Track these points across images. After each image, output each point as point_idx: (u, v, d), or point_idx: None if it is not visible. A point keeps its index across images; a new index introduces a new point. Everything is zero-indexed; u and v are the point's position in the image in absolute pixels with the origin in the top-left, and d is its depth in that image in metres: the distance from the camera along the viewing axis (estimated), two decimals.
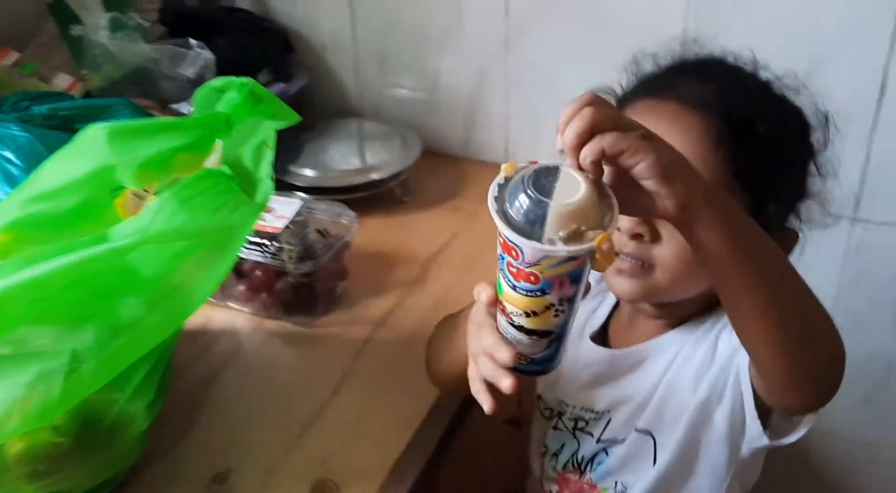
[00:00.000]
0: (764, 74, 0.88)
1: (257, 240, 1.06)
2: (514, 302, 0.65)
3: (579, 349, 0.94)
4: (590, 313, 0.98)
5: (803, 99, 0.87)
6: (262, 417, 0.96)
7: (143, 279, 0.74)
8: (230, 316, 1.12)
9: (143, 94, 1.24)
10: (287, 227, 1.07)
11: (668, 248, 0.82)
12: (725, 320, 0.85)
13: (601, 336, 0.96)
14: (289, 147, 1.39)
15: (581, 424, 0.94)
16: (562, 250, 0.59)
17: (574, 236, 0.59)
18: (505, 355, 0.67)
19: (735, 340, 0.72)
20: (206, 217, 0.69)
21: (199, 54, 1.19)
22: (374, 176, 1.32)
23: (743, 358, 0.81)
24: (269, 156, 0.78)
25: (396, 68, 1.46)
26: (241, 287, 1.11)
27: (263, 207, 0.76)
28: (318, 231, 1.09)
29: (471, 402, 0.98)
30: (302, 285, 1.09)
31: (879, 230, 1.27)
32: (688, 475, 0.90)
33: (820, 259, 1.31)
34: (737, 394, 0.83)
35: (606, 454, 0.92)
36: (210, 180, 0.70)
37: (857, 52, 1.17)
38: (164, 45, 1.21)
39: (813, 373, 0.70)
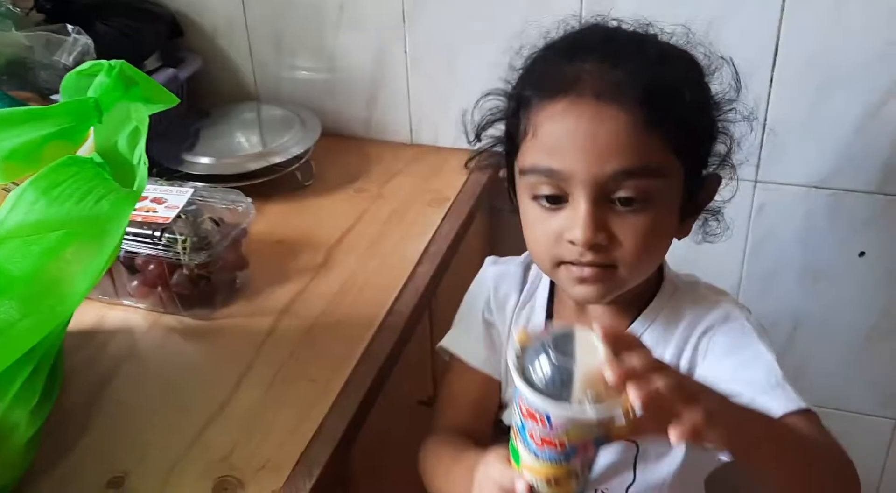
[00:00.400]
0: (657, 33, 0.85)
1: (148, 232, 1.01)
2: (537, 471, 0.64)
3: None
4: (526, 320, 0.93)
5: (700, 51, 0.85)
6: (160, 416, 0.92)
7: (13, 278, 0.69)
8: (125, 314, 1.07)
9: (22, 85, 1.18)
10: (179, 217, 1.03)
11: (628, 246, 0.78)
12: (699, 330, 0.84)
13: None
14: (183, 135, 1.34)
15: None
16: (593, 413, 0.59)
17: (601, 398, 0.59)
18: None
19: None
20: (71, 207, 0.64)
21: (77, 40, 1.13)
22: (274, 160, 1.27)
23: None
24: (142, 141, 0.74)
25: (292, 49, 1.42)
26: (135, 283, 1.05)
27: (139, 195, 0.72)
28: (213, 220, 1.05)
29: (379, 384, 0.96)
30: (199, 277, 1.04)
31: (781, 191, 1.28)
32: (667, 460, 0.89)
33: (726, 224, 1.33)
34: None
35: None
36: (75, 168, 0.66)
37: (749, 16, 1.17)
38: (39, 32, 1.14)
39: None
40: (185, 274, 1.03)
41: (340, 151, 1.41)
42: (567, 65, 0.79)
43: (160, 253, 1.02)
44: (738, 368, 0.81)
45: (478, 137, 0.89)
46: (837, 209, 1.27)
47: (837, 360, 1.39)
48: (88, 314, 1.06)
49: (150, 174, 1.12)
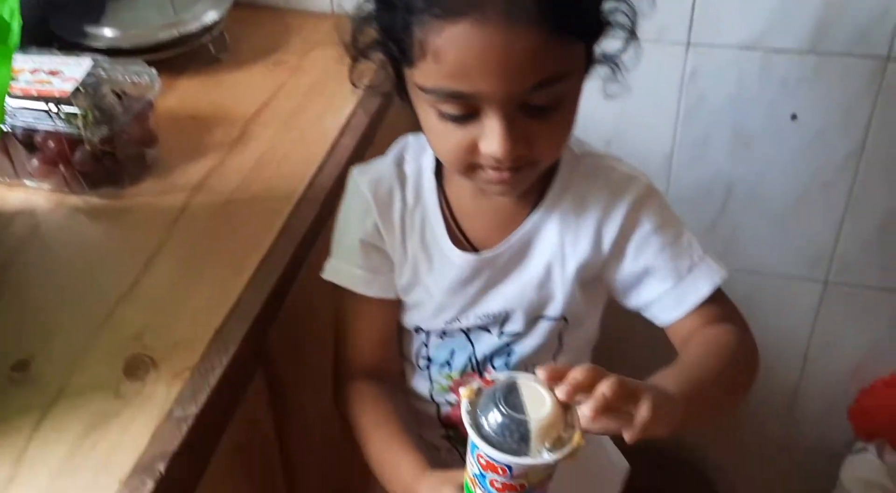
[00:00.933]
0: None
1: (42, 106, 0.94)
2: None
3: (448, 261, 0.85)
4: (420, 222, 0.86)
5: None
6: (66, 298, 0.88)
7: None
8: (26, 195, 1.01)
9: None
10: (77, 90, 0.96)
11: (546, 146, 0.74)
12: (621, 209, 0.82)
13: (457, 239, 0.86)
14: (88, 7, 1.25)
15: (474, 328, 0.87)
16: (552, 459, 0.64)
17: (557, 443, 0.64)
18: None
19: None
20: None
21: None
22: (183, 30, 1.19)
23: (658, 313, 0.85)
24: None
25: None
26: (35, 161, 0.99)
27: (11, 52, 0.65)
28: (115, 93, 0.98)
29: (299, 260, 0.93)
30: (103, 154, 0.98)
31: (713, 53, 1.25)
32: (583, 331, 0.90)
33: (658, 88, 1.30)
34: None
35: (509, 346, 0.87)
36: None
37: None
38: None
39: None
40: (88, 150, 0.97)
41: (257, 22, 1.33)
42: None
43: (59, 129, 0.95)
44: (666, 248, 0.83)
45: (362, 55, 0.79)
46: (769, 71, 1.24)
47: (769, 225, 1.39)
48: None
49: (50, 48, 1.05)
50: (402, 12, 0.70)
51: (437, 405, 0.92)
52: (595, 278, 0.86)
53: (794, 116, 1.28)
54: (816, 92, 1.25)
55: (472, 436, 0.65)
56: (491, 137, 0.71)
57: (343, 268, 0.88)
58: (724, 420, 1.59)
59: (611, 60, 0.78)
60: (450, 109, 0.72)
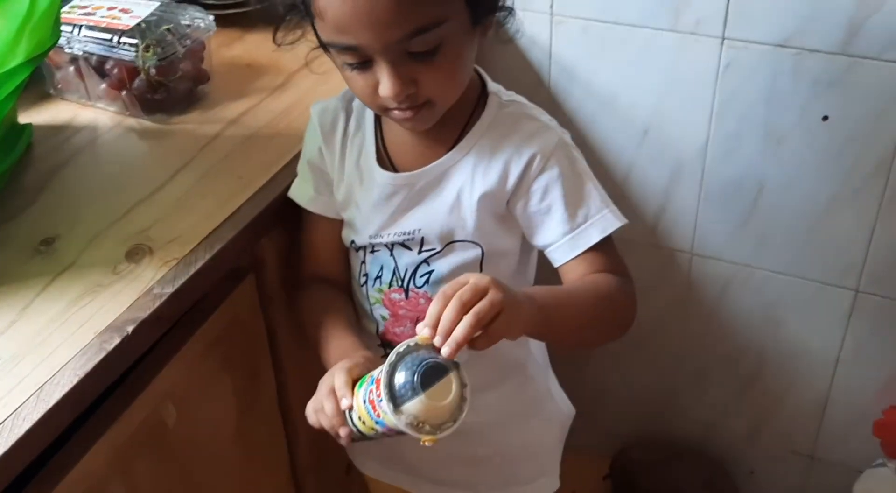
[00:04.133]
0: None
1: (108, 36, 1.11)
2: (360, 409, 0.80)
3: (374, 180, 0.96)
4: (359, 146, 0.99)
5: None
6: (99, 195, 1.03)
7: None
8: (94, 114, 1.18)
9: None
10: (139, 25, 1.12)
11: (437, 85, 0.85)
12: (532, 151, 0.91)
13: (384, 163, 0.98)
14: None
15: (397, 245, 0.98)
16: (402, 427, 0.74)
17: (418, 425, 0.74)
18: (343, 431, 0.83)
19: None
20: None
21: None
22: None
23: (554, 254, 0.94)
24: None
25: None
26: (103, 86, 1.16)
27: None
28: (171, 31, 1.14)
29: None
30: (158, 84, 1.14)
31: (747, 49, 1.28)
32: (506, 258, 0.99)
33: (693, 81, 1.34)
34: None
35: (428, 264, 0.97)
36: None
37: None
38: None
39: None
40: (145, 79, 1.13)
41: None
42: None
43: (121, 57, 1.11)
44: (567, 195, 0.92)
45: (280, 22, 0.92)
46: (801, 70, 1.26)
47: (800, 227, 1.40)
48: (63, 113, 1.18)
49: None
50: None
51: (376, 323, 1.03)
52: (505, 212, 0.94)
53: (825, 118, 1.29)
54: (848, 95, 1.26)
55: (385, 364, 0.76)
56: (382, 82, 0.83)
57: (296, 185, 1.02)
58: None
59: (495, 11, 0.88)
60: (347, 58, 0.84)
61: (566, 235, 0.92)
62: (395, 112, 0.87)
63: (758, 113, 1.33)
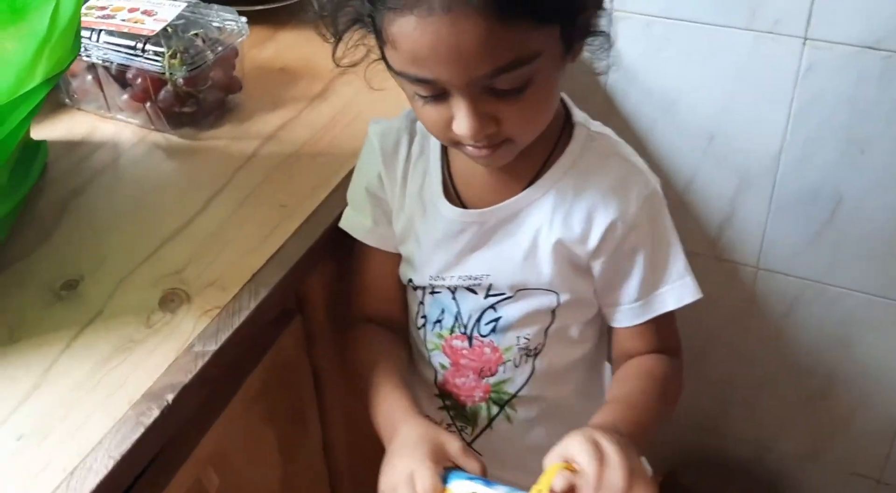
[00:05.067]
0: None
1: (130, 43, 0.98)
2: None
3: (438, 215, 0.85)
4: (422, 173, 0.87)
5: None
6: (125, 227, 0.91)
7: None
8: (116, 128, 1.06)
9: None
10: (165, 30, 1.00)
11: (519, 123, 0.73)
12: (602, 198, 0.81)
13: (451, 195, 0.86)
14: None
15: (460, 288, 0.87)
16: None
17: None
18: None
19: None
20: None
21: None
22: None
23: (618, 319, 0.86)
24: None
25: None
26: (125, 96, 1.04)
27: None
28: (201, 37, 1.01)
29: None
30: (187, 95, 1.02)
31: (831, 50, 1.16)
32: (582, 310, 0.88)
33: (769, 83, 1.23)
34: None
35: (495, 310, 0.86)
36: None
37: None
38: None
39: None
40: (171, 90, 1.01)
41: None
42: None
43: (146, 66, 0.99)
44: (650, 259, 0.83)
45: (339, 38, 0.79)
46: (891, 74, 1.15)
47: (879, 241, 1.29)
48: (80, 125, 1.06)
49: None
50: (366, 1, 0.71)
51: (434, 371, 0.92)
52: (583, 264, 0.84)
53: None
54: None
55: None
56: (459, 119, 0.72)
57: (350, 215, 0.91)
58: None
59: (589, 36, 0.76)
60: (420, 90, 0.72)
61: (638, 300, 0.84)
62: (469, 148, 0.76)
63: (840, 119, 1.22)
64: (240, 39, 1.04)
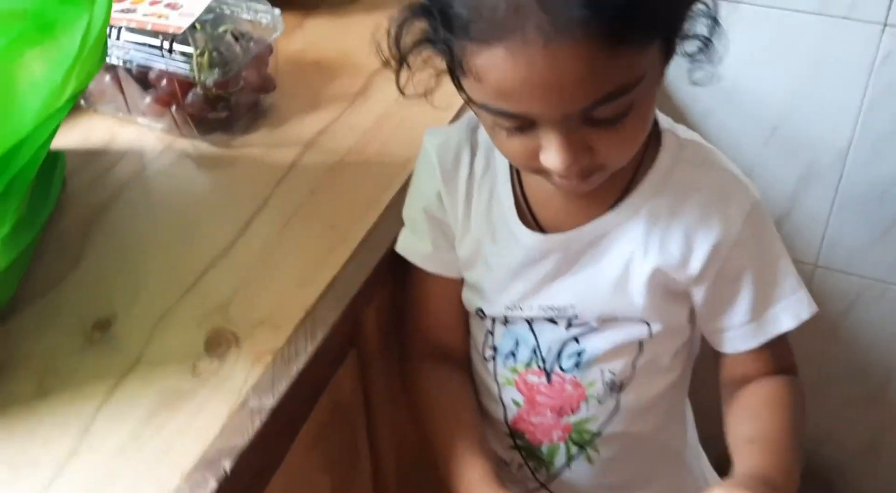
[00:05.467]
0: None
1: (155, 42, 0.88)
2: None
3: (514, 240, 0.76)
4: (489, 191, 0.78)
5: None
6: (159, 252, 0.82)
7: None
8: (138, 133, 0.96)
9: None
10: (193, 27, 0.89)
11: (615, 152, 0.65)
12: (701, 216, 0.72)
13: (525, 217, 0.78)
14: None
15: (539, 319, 0.78)
16: None
17: None
18: None
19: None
20: None
21: None
22: None
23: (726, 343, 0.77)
24: None
25: None
26: (148, 99, 0.94)
27: None
28: (232, 33, 0.91)
29: None
30: (217, 99, 0.92)
31: None
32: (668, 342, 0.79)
33: (841, 73, 1.13)
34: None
35: (578, 342, 0.78)
36: None
37: None
38: None
39: None
40: (200, 94, 0.91)
41: None
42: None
43: (172, 68, 0.89)
44: (759, 278, 0.74)
45: (403, 63, 0.70)
46: None
47: None
48: (98, 130, 0.96)
49: None
50: (442, 27, 0.61)
51: (504, 407, 0.84)
52: (682, 291, 0.76)
53: None
54: None
55: None
56: (549, 151, 0.63)
57: (408, 239, 0.82)
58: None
59: (688, 39, 0.66)
60: (505, 123, 0.63)
61: (750, 322, 0.75)
62: (556, 178, 0.67)
63: None
64: (274, 35, 0.93)
